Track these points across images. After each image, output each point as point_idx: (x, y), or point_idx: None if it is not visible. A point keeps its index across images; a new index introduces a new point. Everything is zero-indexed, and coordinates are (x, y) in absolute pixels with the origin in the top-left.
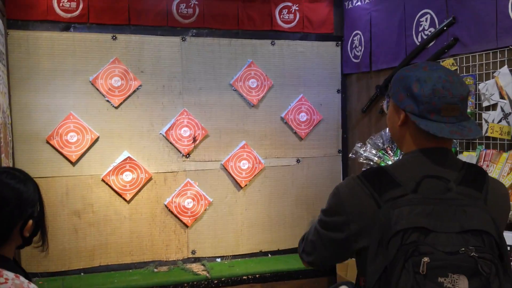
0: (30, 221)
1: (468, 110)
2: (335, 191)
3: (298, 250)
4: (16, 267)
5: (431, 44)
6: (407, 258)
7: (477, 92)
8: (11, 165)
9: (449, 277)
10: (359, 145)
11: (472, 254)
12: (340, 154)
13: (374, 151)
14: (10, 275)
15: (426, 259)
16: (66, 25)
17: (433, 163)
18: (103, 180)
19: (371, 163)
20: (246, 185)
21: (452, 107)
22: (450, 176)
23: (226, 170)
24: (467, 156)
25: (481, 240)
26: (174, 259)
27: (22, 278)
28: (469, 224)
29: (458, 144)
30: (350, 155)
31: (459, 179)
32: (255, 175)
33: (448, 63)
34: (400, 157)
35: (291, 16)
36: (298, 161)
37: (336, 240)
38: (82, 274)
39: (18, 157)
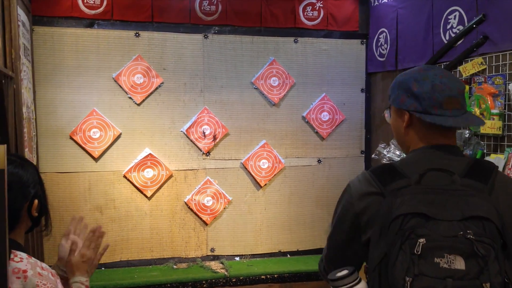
0: (36, 200)
1: (497, 111)
2: (347, 187)
3: (322, 274)
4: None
5: (459, 42)
6: (404, 240)
7: (507, 92)
8: (35, 160)
9: (445, 257)
10: (382, 145)
11: (469, 236)
12: (363, 155)
13: (398, 152)
14: (23, 255)
15: (422, 240)
16: (90, 22)
17: (439, 158)
18: (124, 176)
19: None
20: (265, 184)
21: (453, 100)
22: (456, 169)
23: (246, 169)
24: (495, 159)
25: (482, 226)
26: (193, 256)
27: (34, 258)
28: (470, 212)
29: (485, 147)
30: (373, 155)
31: (464, 172)
32: (275, 175)
33: (477, 62)
34: (408, 155)
35: (315, 13)
36: (319, 161)
37: (348, 234)
38: (103, 268)
39: (42, 152)
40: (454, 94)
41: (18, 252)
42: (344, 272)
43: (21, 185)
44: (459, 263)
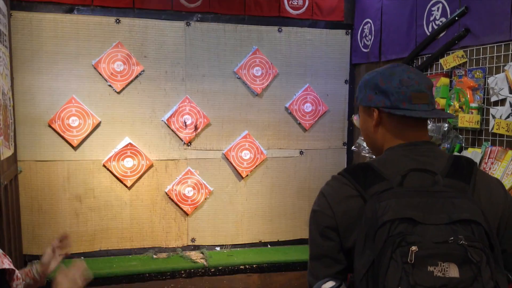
0: None
1: (476, 105)
2: (320, 196)
3: None
4: None
5: (441, 34)
6: (394, 248)
7: (486, 86)
8: (12, 148)
9: (439, 265)
10: (362, 137)
11: (461, 242)
12: (345, 147)
13: None
14: None
15: (414, 248)
16: (69, 7)
17: (418, 156)
18: (104, 166)
19: (374, 156)
20: (247, 175)
21: (421, 95)
22: (437, 168)
23: (228, 159)
24: (472, 153)
25: (470, 230)
26: (174, 246)
27: None
28: (457, 215)
29: (463, 140)
30: (352, 147)
31: (446, 171)
32: (256, 166)
33: (457, 54)
34: (384, 153)
35: (300, 2)
36: (301, 152)
37: (330, 244)
38: (82, 258)
39: (20, 140)
40: (422, 88)
41: None
42: (331, 284)
43: None
44: (453, 271)
